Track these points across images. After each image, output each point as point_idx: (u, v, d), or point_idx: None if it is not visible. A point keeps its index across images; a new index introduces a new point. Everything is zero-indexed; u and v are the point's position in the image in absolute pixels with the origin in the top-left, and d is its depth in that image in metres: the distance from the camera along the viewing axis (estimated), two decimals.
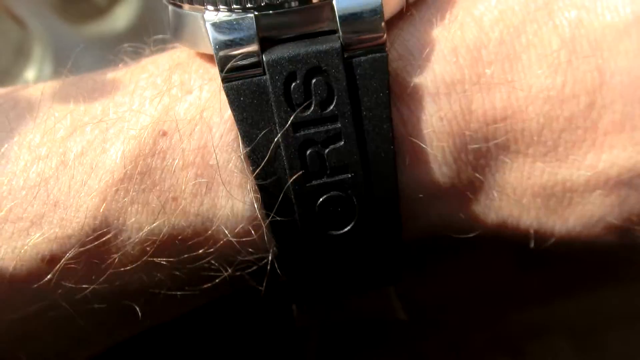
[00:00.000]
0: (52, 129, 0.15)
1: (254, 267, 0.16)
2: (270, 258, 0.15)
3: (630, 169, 0.15)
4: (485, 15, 0.15)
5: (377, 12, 0.14)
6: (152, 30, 0.36)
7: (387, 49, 0.14)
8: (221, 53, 0.14)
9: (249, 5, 0.14)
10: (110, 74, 0.17)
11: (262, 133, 0.14)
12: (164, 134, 0.15)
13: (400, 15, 0.15)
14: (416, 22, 0.15)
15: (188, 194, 0.15)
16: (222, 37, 0.14)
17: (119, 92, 0.16)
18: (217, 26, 0.14)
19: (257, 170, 0.14)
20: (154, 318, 0.17)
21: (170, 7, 0.16)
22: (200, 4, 0.14)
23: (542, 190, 0.15)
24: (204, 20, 0.14)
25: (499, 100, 0.15)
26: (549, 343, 0.34)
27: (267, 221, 0.14)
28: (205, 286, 0.16)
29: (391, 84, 0.14)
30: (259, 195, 0.15)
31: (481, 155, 0.15)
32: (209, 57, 0.16)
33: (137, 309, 0.15)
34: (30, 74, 0.34)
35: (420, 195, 0.15)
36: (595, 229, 0.16)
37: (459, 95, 0.15)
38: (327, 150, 0.14)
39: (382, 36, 0.14)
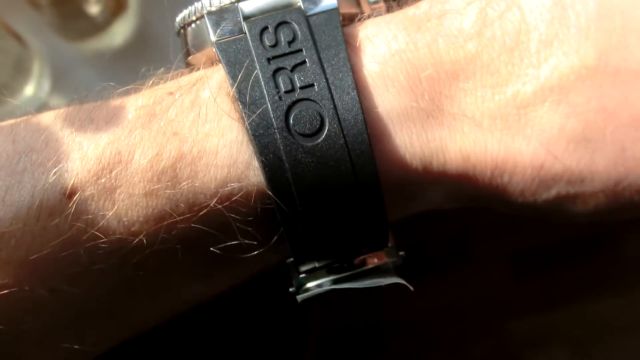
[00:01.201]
0: (88, 105, 0.18)
1: (242, 195, 0.17)
2: (256, 183, 0.17)
3: (569, 73, 0.16)
4: (420, 1, 0.18)
5: None
6: (149, 46, 0.37)
7: (336, 3, 0.17)
8: (214, 27, 0.18)
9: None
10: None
11: (244, 71, 0.17)
12: (170, 93, 0.18)
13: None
14: (369, 17, 0.18)
15: (186, 128, 0.17)
16: (215, 17, 0.18)
17: (135, 89, 0.19)
18: (211, 13, 0.18)
19: (239, 94, 0.17)
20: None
21: (188, 29, 0.19)
22: (202, 9, 0.18)
23: (498, 111, 0.17)
24: (205, 17, 0.18)
25: (439, 36, 0.17)
26: (548, 352, 0.34)
27: (247, 124, 0.17)
28: (203, 219, 0.17)
29: (344, 34, 0.17)
30: (243, 116, 0.17)
31: (434, 82, 0.17)
32: (211, 61, 0.19)
33: (144, 240, 0.17)
34: (29, 89, 0.34)
35: (385, 119, 0.17)
36: (561, 143, 0.17)
37: (403, 36, 0.17)
38: (295, 74, 0.17)
39: (336, 9, 0.17)
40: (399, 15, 0.18)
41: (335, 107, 0.16)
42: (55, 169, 0.17)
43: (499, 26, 0.17)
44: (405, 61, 0.17)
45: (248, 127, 0.16)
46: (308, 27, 0.17)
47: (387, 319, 0.32)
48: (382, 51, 0.17)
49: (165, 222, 0.17)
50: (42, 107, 0.34)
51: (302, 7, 0.18)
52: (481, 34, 0.17)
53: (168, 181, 0.17)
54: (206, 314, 0.20)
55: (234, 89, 0.17)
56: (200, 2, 0.19)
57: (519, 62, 0.17)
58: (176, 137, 0.17)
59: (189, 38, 0.19)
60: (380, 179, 0.16)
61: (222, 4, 0.18)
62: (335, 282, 0.18)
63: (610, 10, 0.17)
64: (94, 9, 0.33)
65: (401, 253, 0.18)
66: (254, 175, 0.17)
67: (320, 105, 0.17)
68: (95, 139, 0.17)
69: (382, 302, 0.30)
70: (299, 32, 0.17)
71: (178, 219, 0.17)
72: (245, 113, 0.16)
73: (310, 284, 0.18)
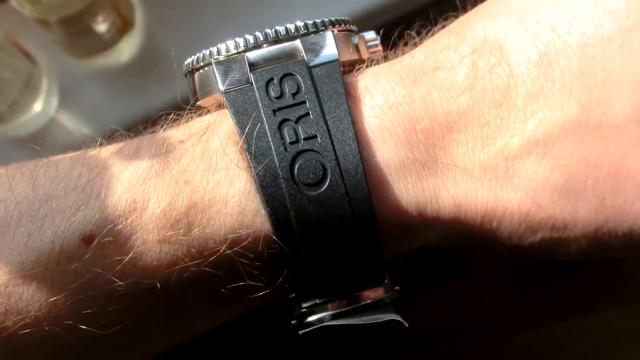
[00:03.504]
0: (102, 151, 0.19)
1: (250, 241, 0.18)
2: (263, 229, 0.18)
3: (553, 127, 0.17)
4: (416, 51, 0.19)
5: (330, 44, 0.19)
6: (154, 63, 0.37)
7: (337, 54, 0.19)
8: (222, 77, 0.19)
9: (241, 49, 0.19)
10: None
11: (251, 121, 0.18)
12: (181, 141, 0.19)
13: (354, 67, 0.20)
14: (365, 66, 0.19)
15: (197, 177, 0.18)
16: (223, 68, 0.19)
17: (148, 134, 0.20)
18: (219, 63, 0.19)
19: (247, 146, 0.18)
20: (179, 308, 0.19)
21: (195, 75, 0.20)
22: (209, 59, 0.19)
23: (487, 162, 0.18)
24: (213, 66, 0.19)
25: (436, 94, 0.18)
26: None
27: (254, 174, 0.18)
28: (213, 263, 0.18)
29: (345, 85, 0.18)
30: (251, 167, 0.18)
31: (429, 134, 0.18)
32: (219, 106, 0.20)
33: (158, 284, 0.18)
34: (37, 105, 0.35)
35: (383, 169, 0.18)
36: (546, 193, 0.18)
37: (400, 91, 0.18)
38: (299, 126, 0.18)
39: (337, 59, 0.18)
40: (395, 65, 0.19)
41: (337, 158, 0.17)
42: (74, 218, 0.18)
43: (489, 80, 0.18)
44: (402, 114, 0.18)
45: (255, 178, 0.17)
46: (311, 79, 0.18)
47: (390, 333, 0.32)
48: (380, 103, 0.18)
49: (178, 267, 0.18)
50: (50, 123, 0.35)
51: (305, 58, 0.19)
52: (472, 87, 0.18)
53: (181, 228, 0.18)
54: (209, 333, 0.21)
55: (242, 141, 0.18)
56: (208, 50, 0.19)
57: (507, 115, 0.18)
58: (188, 185, 0.18)
59: (197, 83, 0.20)
60: (378, 225, 0.17)
61: (230, 54, 0.19)
62: (334, 316, 0.19)
63: (592, 66, 0.18)
64: (101, 28, 0.34)
65: (396, 288, 0.19)
66: (261, 222, 0.18)
67: (323, 156, 0.18)
68: (111, 187, 0.18)
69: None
70: (302, 84, 0.18)
71: (189, 263, 0.18)
72: (252, 164, 0.17)
73: (311, 318, 0.19)
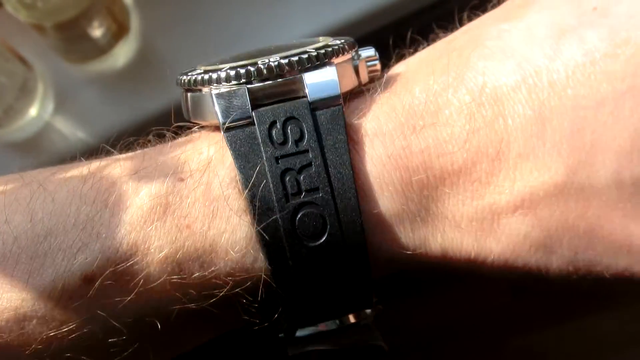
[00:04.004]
0: (99, 181, 0.19)
1: (249, 284, 0.19)
2: (263, 273, 0.19)
3: (539, 188, 0.18)
4: (415, 86, 0.19)
5: (333, 80, 0.19)
6: (150, 68, 0.38)
7: (342, 105, 0.19)
8: (223, 112, 0.18)
9: (242, 81, 0.18)
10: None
11: (254, 168, 0.18)
12: (181, 179, 0.19)
13: (355, 91, 0.20)
14: (365, 94, 0.20)
15: (199, 222, 0.18)
16: (224, 102, 0.19)
17: (145, 155, 0.20)
18: (220, 95, 0.19)
19: (249, 193, 0.18)
20: (173, 339, 0.21)
21: (189, 94, 0.20)
22: (209, 85, 0.19)
23: (475, 215, 0.19)
24: (212, 96, 0.19)
25: (432, 144, 0.19)
26: None
27: (258, 228, 0.18)
28: (213, 303, 0.19)
29: (347, 129, 0.19)
30: (253, 216, 0.18)
31: (423, 186, 0.19)
32: (214, 128, 0.20)
33: (158, 324, 0.19)
34: (33, 110, 0.35)
35: (380, 221, 0.19)
36: (525, 247, 0.19)
37: (400, 141, 0.19)
38: (302, 176, 0.18)
39: (339, 97, 0.19)
40: (397, 106, 0.19)
41: (337, 212, 0.18)
42: (75, 259, 0.18)
43: (485, 134, 0.19)
44: (400, 166, 0.19)
45: (257, 230, 0.18)
46: (314, 124, 0.18)
47: (387, 336, 0.32)
48: (380, 152, 0.19)
49: (177, 307, 0.19)
50: (46, 128, 0.35)
51: (308, 97, 0.19)
52: (469, 141, 0.19)
53: (181, 272, 0.18)
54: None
55: (245, 194, 0.18)
56: (207, 75, 0.19)
57: (498, 172, 0.19)
58: (189, 230, 0.18)
59: (190, 103, 0.20)
60: (371, 270, 0.19)
61: (231, 86, 0.19)
62: (321, 335, 0.20)
63: (583, 128, 0.18)
64: (96, 33, 0.34)
65: (379, 306, 0.21)
66: (260, 267, 0.19)
67: (324, 210, 0.18)
68: (111, 227, 0.18)
69: (381, 322, 0.31)
70: (305, 130, 0.18)
71: (189, 305, 0.19)
72: (254, 216, 0.18)
73: (299, 333, 0.20)
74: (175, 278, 0.18)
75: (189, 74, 0.20)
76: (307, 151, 0.18)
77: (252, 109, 0.18)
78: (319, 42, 0.21)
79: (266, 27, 0.37)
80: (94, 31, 0.34)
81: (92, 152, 0.21)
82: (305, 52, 0.19)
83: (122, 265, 0.18)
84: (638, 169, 0.18)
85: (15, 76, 0.33)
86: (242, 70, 0.18)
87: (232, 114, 0.18)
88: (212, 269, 0.18)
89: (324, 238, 0.18)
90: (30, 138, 0.35)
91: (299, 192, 0.18)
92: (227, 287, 0.18)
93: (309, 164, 0.18)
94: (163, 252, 0.18)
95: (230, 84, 0.19)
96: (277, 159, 0.18)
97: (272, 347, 0.22)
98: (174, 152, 0.20)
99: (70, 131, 0.36)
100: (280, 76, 0.19)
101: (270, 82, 0.19)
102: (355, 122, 0.19)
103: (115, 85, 0.36)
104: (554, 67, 0.18)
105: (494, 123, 0.18)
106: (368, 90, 0.20)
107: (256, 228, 0.18)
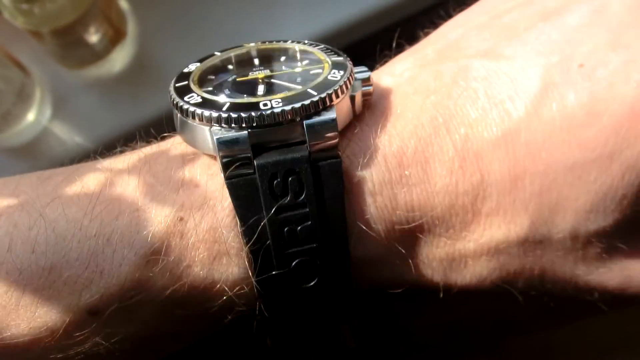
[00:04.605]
0: (99, 214, 0.19)
1: (243, 309, 0.21)
2: (258, 308, 0.20)
3: (504, 241, 0.20)
4: (404, 129, 0.20)
5: (333, 125, 0.19)
6: (147, 73, 0.38)
7: (340, 154, 0.19)
8: (224, 160, 0.19)
9: (244, 125, 0.18)
10: (130, 162, 0.21)
11: (254, 217, 0.19)
12: (181, 219, 0.19)
13: (350, 128, 0.21)
14: (360, 135, 0.21)
15: (199, 263, 0.19)
16: (226, 149, 0.19)
17: (145, 183, 0.20)
18: (221, 142, 0.19)
19: (250, 244, 0.19)
20: (166, 350, 0.22)
21: (183, 119, 0.20)
22: (207, 122, 0.19)
23: (446, 257, 0.21)
24: (211, 134, 0.19)
25: (415, 194, 0.20)
26: None
27: (255, 279, 0.19)
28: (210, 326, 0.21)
29: (344, 179, 0.20)
30: (251, 261, 0.19)
31: (404, 233, 0.20)
32: (210, 155, 0.20)
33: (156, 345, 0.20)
34: (31, 115, 0.35)
35: (365, 262, 0.21)
36: (485, 283, 0.21)
37: (388, 191, 0.20)
38: (299, 228, 0.19)
39: (337, 147, 0.19)
40: (387, 154, 0.20)
41: (328, 260, 0.20)
42: (81, 295, 0.19)
43: (463, 189, 0.20)
44: (386, 218, 0.20)
45: (255, 279, 0.19)
46: (313, 178, 0.19)
47: (387, 337, 0.32)
48: (369, 203, 0.20)
49: (174, 330, 0.21)
50: (44, 133, 0.35)
51: (309, 148, 0.19)
52: (448, 194, 0.20)
53: (183, 307, 0.20)
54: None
55: (246, 249, 0.19)
56: (208, 112, 0.19)
57: (470, 224, 0.20)
58: (190, 269, 0.19)
59: (184, 130, 0.20)
60: (354, 301, 0.21)
61: (232, 134, 0.18)
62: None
63: (551, 189, 0.20)
64: (93, 38, 0.34)
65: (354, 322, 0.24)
66: (254, 301, 0.20)
67: (317, 259, 0.20)
68: (115, 265, 0.19)
69: (380, 324, 0.31)
70: (305, 184, 0.19)
71: (186, 329, 0.20)
72: (254, 268, 0.19)
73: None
74: (175, 312, 0.20)
75: (185, 98, 0.20)
76: (305, 204, 0.19)
77: (253, 155, 0.19)
78: (321, 63, 0.21)
79: (262, 31, 0.37)
80: (90, 37, 0.34)
81: (89, 156, 0.22)
82: (308, 95, 0.19)
83: (127, 302, 0.19)
84: (593, 226, 0.20)
85: (12, 82, 0.33)
86: (245, 115, 0.18)
87: (234, 163, 0.19)
88: (212, 302, 0.20)
89: (315, 281, 0.20)
90: (28, 143, 0.35)
91: (296, 244, 0.19)
92: (221, 317, 0.20)
93: (307, 217, 0.19)
94: (167, 292, 0.19)
95: (232, 126, 0.19)
96: (277, 211, 0.19)
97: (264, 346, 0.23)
98: (172, 177, 0.20)
99: (68, 136, 0.36)
100: (280, 124, 0.19)
101: (271, 127, 0.19)
102: (351, 173, 0.20)
103: (113, 90, 0.37)
104: (533, 127, 0.19)
105: (472, 177, 0.20)
106: (360, 124, 0.21)
107: (254, 279, 0.19)
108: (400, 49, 0.25)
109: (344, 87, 0.20)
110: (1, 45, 0.33)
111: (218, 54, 0.22)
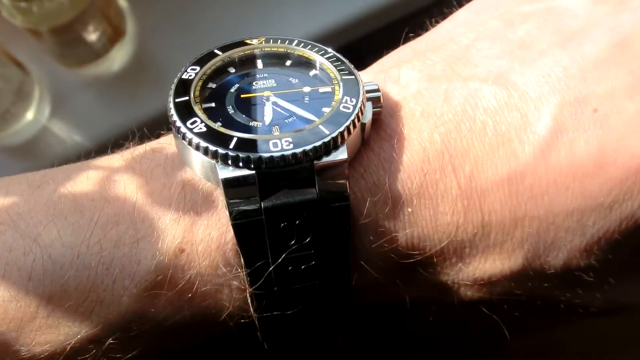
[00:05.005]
0: (98, 241, 0.19)
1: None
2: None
3: (497, 275, 0.21)
4: (411, 162, 0.20)
5: (344, 166, 0.18)
6: (146, 71, 0.38)
7: (348, 193, 0.19)
8: (231, 201, 0.18)
9: (252, 166, 0.18)
10: (125, 181, 0.20)
11: (260, 262, 0.19)
12: (182, 250, 0.19)
13: (358, 158, 0.20)
14: (367, 168, 0.20)
15: (201, 295, 0.19)
16: (232, 189, 0.18)
17: (144, 208, 0.19)
18: (228, 182, 0.18)
19: (255, 286, 0.19)
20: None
21: (186, 146, 0.19)
22: (213, 158, 0.18)
23: (441, 284, 0.22)
24: (216, 170, 0.18)
25: (417, 232, 0.20)
26: None
27: (257, 315, 0.20)
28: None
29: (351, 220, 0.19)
30: (253, 299, 0.19)
31: (403, 267, 0.21)
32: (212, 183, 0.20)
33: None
34: (29, 114, 0.35)
35: (363, 289, 0.21)
36: (473, 299, 0.22)
37: (391, 228, 0.20)
38: (303, 267, 0.19)
39: (346, 189, 0.19)
40: (393, 191, 0.20)
41: (330, 294, 0.20)
42: (81, 326, 0.19)
43: (463, 227, 0.20)
44: (387, 254, 0.20)
45: (256, 315, 0.20)
46: (322, 224, 0.18)
47: (388, 337, 0.32)
48: (372, 239, 0.20)
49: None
50: (43, 131, 0.35)
51: (317, 192, 0.18)
52: (448, 231, 0.20)
53: (184, 331, 0.20)
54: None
55: (250, 290, 0.19)
56: (215, 148, 0.18)
57: (466, 259, 0.21)
58: (191, 301, 0.19)
59: (185, 156, 0.19)
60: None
61: (240, 175, 0.18)
62: None
63: (549, 230, 0.20)
64: (92, 37, 0.34)
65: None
66: (255, 325, 0.21)
67: (317, 296, 0.20)
68: (116, 296, 0.19)
69: (382, 322, 0.31)
70: (312, 230, 0.18)
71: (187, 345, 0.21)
72: (256, 307, 0.20)
73: None
74: (177, 336, 0.20)
75: (188, 124, 0.18)
76: (310, 246, 0.19)
77: (260, 196, 0.18)
78: (330, 81, 0.20)
79: (261, 29, 0.37)
80: (89, 35, 0.34)
81: (88, 155, 0.22)
82: (319, 133, 0.18)
83: (128, 332, 0.19)
84: (584, 262, 0.20)
85: (11, 80, 0.33)
86: (254, 157, 0.17)
87: (241, 206, 0.18)
88: (210, 330, 0.21)
89: (314, 310, 0.20)
90: (27, 142, 0.35)
91: (299, 281, 0.19)
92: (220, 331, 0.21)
93: (311, 257, 0.19)
94: (167, 322, 0.19)
95: (240, 165, 0.18)
96: (283, 254, 0.19)
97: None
98: (172, 199, 0.19)
99: (67, 134, 0.36)
100: (292, 164, 0.18)
101: (280, 168, 0.18)
102: (357, 208, 0.19)
103: (112, 89, 0.37)
104: (538, 171, 0.19)
105: (473, 217, 0.20)
106: (367, 152, 0.20)
107: (256, 315, 0.20)
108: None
109: (356, 120, 0.19)
110: (0, 43, 0.33)
111: (219, 52, 0.21)
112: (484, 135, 0.20)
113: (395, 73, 0.22)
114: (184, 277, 0.19)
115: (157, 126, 0.22)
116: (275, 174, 0.18)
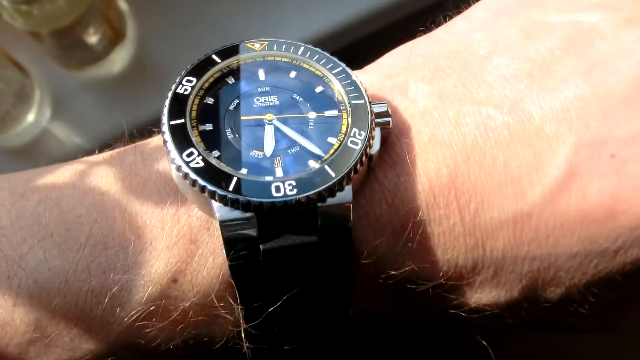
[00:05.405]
0: (87, 267, 0.18)
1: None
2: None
3: (490, 305, 0.21)
4: (416, 198, 0.19)
5: (348, 208, 0.17)
6: (146, 73, 0.38)
7: (352, 238, 0.18)
8: (228, 240, 0.17)
9: (252, 209, 0.17)
10: (124, 202, 0.19)
11: (257, 303, 0.18)
12: (175, 281, 0.18)
13: (363, 189, 0.19)
14: (372, 203, 0.19)
15: (193, 325, 0.19)
16: (230, 231, 0.17)
17: (135, 231, 0.18)
18: (227, 223, 0.17)
19: (250, 324, 0.19)
20: None
21: (188, 187, 0.17)
22: (211, 196, 0.17)
23: (434, 306, 0.21)
24: (213, 208, 0.17)
25: (417, 266, 0.19)
26: None
27: (249, 346, 0.19)
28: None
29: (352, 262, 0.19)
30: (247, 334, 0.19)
31: (400, 298, 0.21)
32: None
33: None
34: (30, 116, 0.35)
35: (359, 316, 0.21)
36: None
37: (391, 263, 0.19)
38: (298, 305, 0.19)
39: (350, 233, 0.18)
40: (397, 227, 0.19)
41: (325, 323, 0.20)
42: (71, 354, 0.18)
43: (463, 260, 0.20)
44: (385, 290, 0.20)
45: (248, 345, 0.19)
46: (322, 264, 0.18)
47: (388, 337, 0.33)
48: (372, 277, 0.20)
49: None
50: (43, 133, 0.35)
51: (319, 235, 0.17)
52: (447, 263, 0.20)
53: (177, 354, 0.20)
54: None
55: (245, 326, 0.19)
56: (213, 188, 0.17)
57: (463, 289, 0.20)
58: (183, 330, 0.19)
59: (183, 187, 0.18)
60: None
61: (238, 216, 0.17)
62: None
63: (549, 268, 0.20)
64: (92, 39, 0.34)
65: None
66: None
67: (309, 324, 0.20)
68: (104, 324, 0.18)
69: (382, 322, 0.31)
70: (312, 268, 0.18)
71: None
72: (248, 344, 0.19)
73: None
74: (168, 357, 0.20)
75: (184, 156, 0.17)
76: (309, 289, 0.18)
77: (259, 239, 0.17)
78: (338, 105, 0.19)
79: (261, 31, 0.37)
80: (89, 37, 0.34)
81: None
82: (325, 176, 0.17)
83: (120, 357, 0.19)
84: (581, 297, 0.20)
85: (12, 82, 0.33)
86: (255, 202, 0.16)
87: (238, 247, 0.17)
88: (201, 352, 0.20)
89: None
90: (27, 144, 0.35)
91: (296, 319, 0.19)
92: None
93: (310, 299, 0.19)
94: (160, 348, 0.19)
95: (240, 208, 0.17)
96: (282, 296, 0.18)
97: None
98: (164, 222, 0.18)
99: (68, 137, 0.36)
100: (294, 207, 0.17)
101: (282, 212, 0.17)
102: (359, 246, 0.19)
103: (112, 91, 0.37)
104: (545, 213, 0.18)
105: (474, 252, 0.19)
106: (372, 183, 0.19)
107: (247, 344, 0.19)
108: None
109: (363, 156, 0.18)
110: (0, 46, 0.33)
111: (217, 59, 0.19)
112: (493, 171, 0.19)
113: (404, 82, 0.20)
114: (177, 308, 0.18)
115: (158, 128, 0.22)
116: (276, 219, 0.17)
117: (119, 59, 0.37)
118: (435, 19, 0.23)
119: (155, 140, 0.20)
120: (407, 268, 0.19)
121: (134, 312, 0.18)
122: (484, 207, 0.19)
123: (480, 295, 0.20)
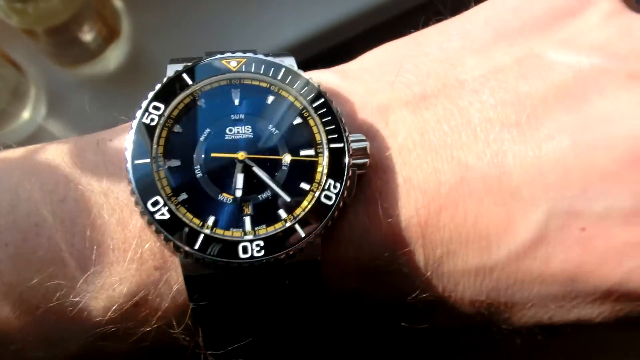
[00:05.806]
0: (42, 285, 0.17)
1: None
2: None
3: (445, 323, 0.21)
4: (381, 244, 0.19)
5: (316, 269, 0.17)
6: (141, 71, 0.38)
7: (319, 293, 0.18)
8: (192, 292, 0.17)
9: (218, 269, 0.17)
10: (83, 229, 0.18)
11: (222, 343, 0.18)
12: (136, 305, 0.18)
13: (331, 234, 0.18)
14: (341, 244, 0.18)
15: (156, 341, 0.18)
16: (195, 286, 0.17)
17: (97, 249, 0.17)
18: (192, 280, 0.17)
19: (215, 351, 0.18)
20: None
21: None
22: (176, 249, 0.17)
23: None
24: (179, 263, 0.17)
25: (377, 302, 0.20)
26: None
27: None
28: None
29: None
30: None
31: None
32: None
33: None
34: (26, 113, 0.35)
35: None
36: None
37: (351, 300, 0.20)
38: (266, 340, 0.19)
39: (317, 290, 0.18)
40: (363, 267, 0.19)
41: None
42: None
43: (422, 300, 0.20)
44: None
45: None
46: (286, 308, 0.18)
47: (387, 337, 0.33)
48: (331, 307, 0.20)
49: None
50: (39, 130, 0.35)
51: (286, 287, 0.17)
52: (406, 302, 0.20)
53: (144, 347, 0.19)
54: None
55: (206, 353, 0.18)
56: (183, 232, 0.16)
57: (421, 314, 0.21)
58: (146, 344, 0.19)
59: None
60: None
61: (204, 273, 0.17)
62: None
63: (505, 310, 0.20)
64: (87, 37, 0.34)
65: None
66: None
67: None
68: (64, 340, 0.18)
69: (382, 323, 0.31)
70: (272, 314, 0.18)
71: None
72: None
73: None
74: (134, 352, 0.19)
75: (149, 205, 0.16)
76: (278, 328, 0.18)
77: (224, 293, 0.17)
78: (313, 144, 0.18)
79: (255, 30, 0.37)
80: (84, 35, 0.34)
81: None
82: (294, 235, 0.17)
83: None
84: (539, 325, 0.21)
85: (7, 80, 0.34)
86: (222, 263, 0.16)
87: (202, 296, 0.17)
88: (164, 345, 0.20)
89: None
90: (23, 141, 0.36)
91: (260, 351, 0.19)
92: None
93: (276, 334, 0.19)
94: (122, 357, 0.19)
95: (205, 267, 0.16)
96: (247, 337, 0.18)
97: None
98: (126, 241, 0.17)
99: (63, 134, 0.36)
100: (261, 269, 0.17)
101: (248, 273, 0.17)
102: (324, 291, 0.19)
103: (107, 88, 0.37)
104: (508, 270, 0.19)
105: (434, 292, 0.20)
106: (343, 221, 0.18)
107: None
108: None
109: (336, 212, 0.17)
110: None
111: (188, 80, 0.18)
112: (463, 226, 0.18)
113: (386, 104, 0.19)
114: (136, 332, 0.18)
115: None
116: (242, 277, 0.17)
117: (113, 57, 0.37)
118: (427, 21, 0.22)
119: (119, 132, 0.19)
120: (369, 300, 0.20)
121: (92, 331, 0.18)
122: (449, 257, 0.19)
123: (436, 319, 0.21)
